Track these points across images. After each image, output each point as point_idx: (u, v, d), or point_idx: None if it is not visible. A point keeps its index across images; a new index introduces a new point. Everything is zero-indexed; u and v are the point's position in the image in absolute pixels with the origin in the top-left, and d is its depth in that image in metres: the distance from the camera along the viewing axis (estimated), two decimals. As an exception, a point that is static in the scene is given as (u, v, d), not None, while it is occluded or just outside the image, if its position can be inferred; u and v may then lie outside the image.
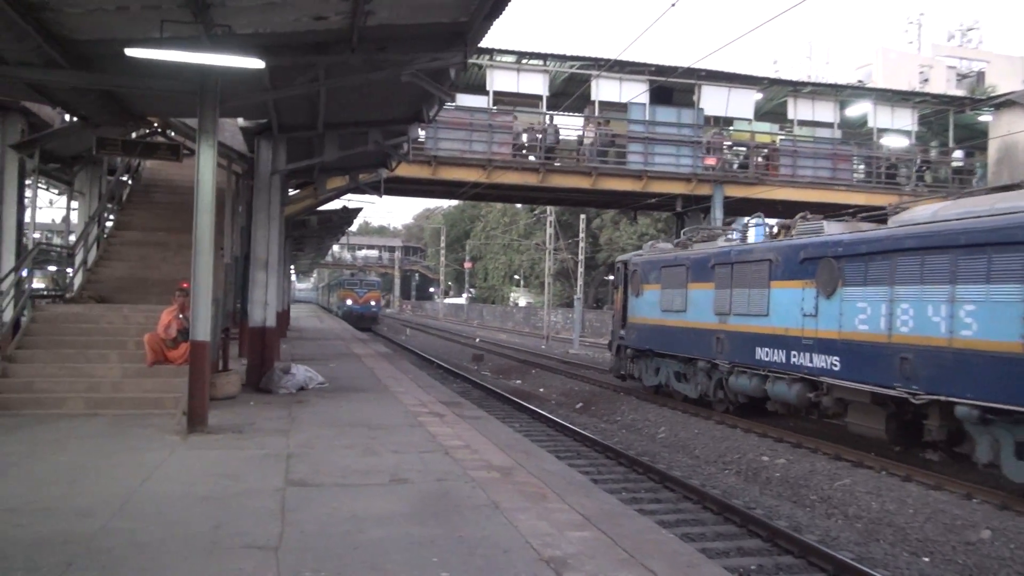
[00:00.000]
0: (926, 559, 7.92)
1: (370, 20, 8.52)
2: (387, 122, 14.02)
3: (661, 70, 22.56)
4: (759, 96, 24.35)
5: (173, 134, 14.05)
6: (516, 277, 70.87)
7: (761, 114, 25.17)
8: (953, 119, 25.49)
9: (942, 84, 47.40)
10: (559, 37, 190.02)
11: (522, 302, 69.60)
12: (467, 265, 73.85)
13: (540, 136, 22.45)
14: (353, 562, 5.01)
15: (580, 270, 39.46)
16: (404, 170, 19.94)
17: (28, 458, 7.69)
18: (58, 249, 21.81)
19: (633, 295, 18.21)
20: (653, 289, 17.16)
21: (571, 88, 23.40)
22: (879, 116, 24.92)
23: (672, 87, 23.70)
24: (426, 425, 10.29)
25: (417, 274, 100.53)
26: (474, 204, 69.24)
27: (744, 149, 24.74)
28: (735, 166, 24.46)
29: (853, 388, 11.04)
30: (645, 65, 22.60)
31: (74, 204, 18.12)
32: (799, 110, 24.36)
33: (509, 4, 8.11)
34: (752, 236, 14.74)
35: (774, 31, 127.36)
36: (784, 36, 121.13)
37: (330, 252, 71.78)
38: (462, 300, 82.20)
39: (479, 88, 22.82)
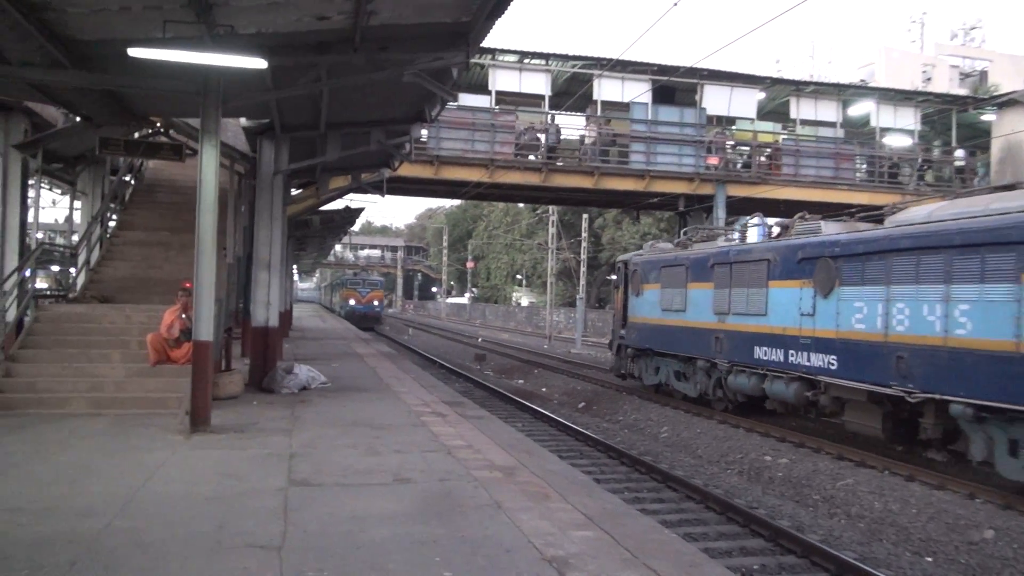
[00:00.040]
0: (929, 559, 7.91)
1: (372, 20, 8.53)
2: (389, 122, 14.02)
3: (663, 70, 22.56)
4: (762, 95, 24.35)
5: (175, 134, 14.06)
6: (518, 277, 70.83)
7: (764, 113, 25.17)
8: (956, 118, 25.49)
9: (945, 83, 47.36)
10: (561, 37, 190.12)
11: (524, 302, 69.53)
12: (469, 265, 73.90)
13: (539, 136, 22.43)
14: (355, 562, 5.01)
15: (582, 270, 39.50)
16: (406, 170, 19.97)
17: (31, 458, 7.70)
18: (61, 249, 21.86)
19: (633, 295, 18.21)
20: (653, 289, 17.17)
21: (573, 88, 23.43)
22: (882, 115, 24.92)
23: (674, 87, 23.71)
24: (429, 425, 10.29)
25: (419, 274, 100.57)
26: (476, 204, 69.28)
27: (747, 149, 24.73)
28: (738, 166, 24.44)
29: (850, 387, 11.08)
30: (647, 65, 22.62)
31: (77, 204, 18.15)
32: (802, 109, 24.36)
33: (511, 4, 8.13)
34: (751, 236, 14.75)
35: (776, 30, 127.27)
36: (786, 35, 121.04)
37: (332, 252, 71.72)
38: (464, 300, 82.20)
39: (481, 88, 22.86)
